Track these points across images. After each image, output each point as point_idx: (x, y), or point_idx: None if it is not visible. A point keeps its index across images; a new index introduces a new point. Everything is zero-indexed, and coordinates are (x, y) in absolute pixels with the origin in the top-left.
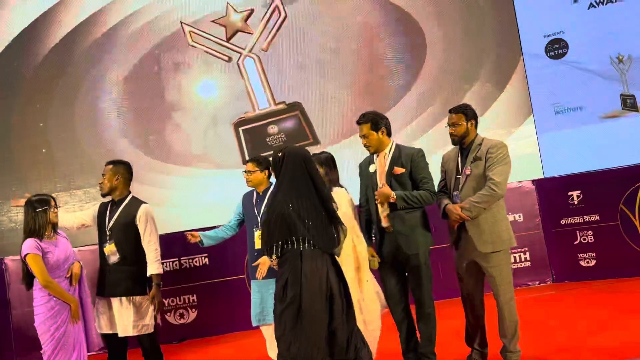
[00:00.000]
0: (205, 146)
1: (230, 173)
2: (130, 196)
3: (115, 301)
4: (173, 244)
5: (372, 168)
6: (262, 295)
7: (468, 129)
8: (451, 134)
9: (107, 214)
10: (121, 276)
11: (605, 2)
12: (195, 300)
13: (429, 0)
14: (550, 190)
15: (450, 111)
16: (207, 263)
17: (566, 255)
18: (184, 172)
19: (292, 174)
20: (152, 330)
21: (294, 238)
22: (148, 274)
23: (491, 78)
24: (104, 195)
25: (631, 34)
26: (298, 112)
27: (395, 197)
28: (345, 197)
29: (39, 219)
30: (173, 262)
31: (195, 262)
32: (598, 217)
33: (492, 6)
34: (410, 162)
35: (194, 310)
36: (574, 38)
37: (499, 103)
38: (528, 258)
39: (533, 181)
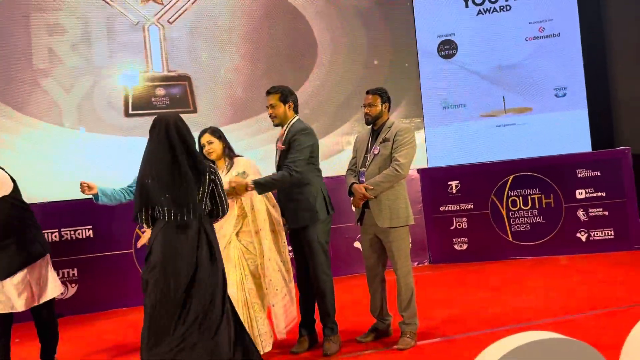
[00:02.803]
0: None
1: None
2: None
3: None
4: (53, 213)
5: (278, 143)
6: None
7: (382, 110)
8: (366, 114)
9: None
10: None
11: (491, 11)
12: (76, 274)
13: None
14: (433, 179)
15: (367, 92)
16: (92, 235)
17: (443, 239)
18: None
19: (155, 141)
20: None
21: (157, 208)
22: None
23: (388, 69)
24: None
25: (511, 42)
26: (186, 82)
27: (253, 186)
28: (249, 164)
29: None
30: (52, 233)
31: (78, 234)
32: (472, 206)
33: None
34: (290, 139)
35: (73, 285)
36: (463, 41)
37: (393, 95)
38: (409, 241)
39: (418, 170)
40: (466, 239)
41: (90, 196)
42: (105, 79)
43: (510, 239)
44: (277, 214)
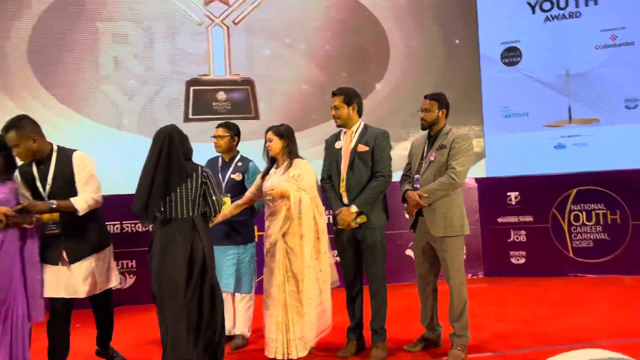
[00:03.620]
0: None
1: None
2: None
3: None
4: (115, 206)
5: (338, 144)
6: (217, 261)
7: (439, 116)
8: (422, 119)
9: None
10: None
11: (560, 17)
12: (134, 266)
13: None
14: (491, 190)
15: (425, 97)
16: (150, 229)
17: (499, 252)
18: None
19: (151, 149)
20: None
21: (161, 207)
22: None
23: (450, 76)
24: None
25: (580, 50)
26: (249, 87)
27: (356, 209)
28: (307, 168)
29: None
30: (114, 225)
31: (138, 227)
32: (531, 219)
33: (458, 9)
34: (374, 142)
35: (131, 276)
36: (528, 48)
37: (453, 101)
38: (464, 251)
39: (476, 179)
40: (524, 253)
41: None
42: (167, 86)
43: (571, 255)
44: (322, 222)
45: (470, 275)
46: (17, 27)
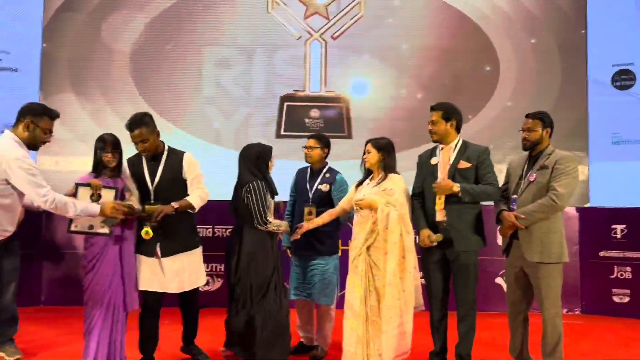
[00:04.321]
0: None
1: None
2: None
3: None
4: (209, 210)
5: (433, 160)
6: (301, 270)
7: (542, 136)
8: (524, 139)
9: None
10: None
11: None
12: (222, 270)
13: (496, 10)
14: (594, 220)
15: (527, 116)
16: None
17: (599, 288)
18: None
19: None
20: None
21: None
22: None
23: (552, 97)
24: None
25: None
26: (344, 105)
27: (458, 188)
28: (400, 184)
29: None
30: (207, 229)
31: (229, 232)
32: (639, 255)
33: (564, 28)
34: (477, 159)
35: (219, 279)
36: None
37: (556, 124)
38: (561, 281)
39: (577, 208)
40: (628, 291)
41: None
42: (263, 105)
43: None
44: (409, 241)
45: (565, 310)
46: (123, 40)
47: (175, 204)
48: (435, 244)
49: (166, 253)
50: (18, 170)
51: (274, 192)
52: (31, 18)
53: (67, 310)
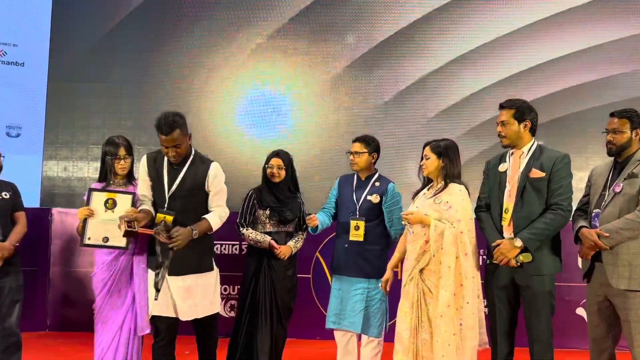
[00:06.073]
0: None
1: None
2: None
3: None
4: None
5: (502, 167)
6: (342, 295)
7: (631, 139)
8: (609, 142)
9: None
10: None
11: None
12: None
13: None
14: None
15: (612, 114)
16: None
17: None
18: None
19: None
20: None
21: None
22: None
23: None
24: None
25: None
26: None
27: (521, 243)
28: (459, 197)
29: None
30: (233, 245)
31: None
32: None
33: None
34: (551, 167)
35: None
36: None
37: None
38: None
39: None
40: None
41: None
42: None
43: None
44: (468, 265)
45: None
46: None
47: (195, 230)
48: (519, 264)
49: (172, 272)
50: None
51: (263, 203)
52: (39, 10)
53: (75, 337)
